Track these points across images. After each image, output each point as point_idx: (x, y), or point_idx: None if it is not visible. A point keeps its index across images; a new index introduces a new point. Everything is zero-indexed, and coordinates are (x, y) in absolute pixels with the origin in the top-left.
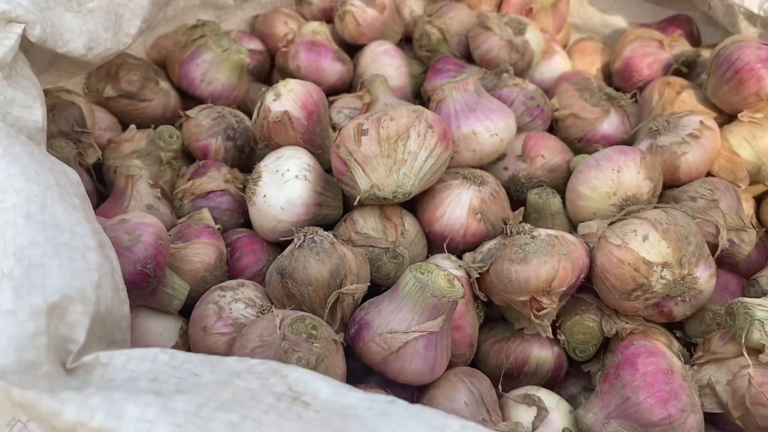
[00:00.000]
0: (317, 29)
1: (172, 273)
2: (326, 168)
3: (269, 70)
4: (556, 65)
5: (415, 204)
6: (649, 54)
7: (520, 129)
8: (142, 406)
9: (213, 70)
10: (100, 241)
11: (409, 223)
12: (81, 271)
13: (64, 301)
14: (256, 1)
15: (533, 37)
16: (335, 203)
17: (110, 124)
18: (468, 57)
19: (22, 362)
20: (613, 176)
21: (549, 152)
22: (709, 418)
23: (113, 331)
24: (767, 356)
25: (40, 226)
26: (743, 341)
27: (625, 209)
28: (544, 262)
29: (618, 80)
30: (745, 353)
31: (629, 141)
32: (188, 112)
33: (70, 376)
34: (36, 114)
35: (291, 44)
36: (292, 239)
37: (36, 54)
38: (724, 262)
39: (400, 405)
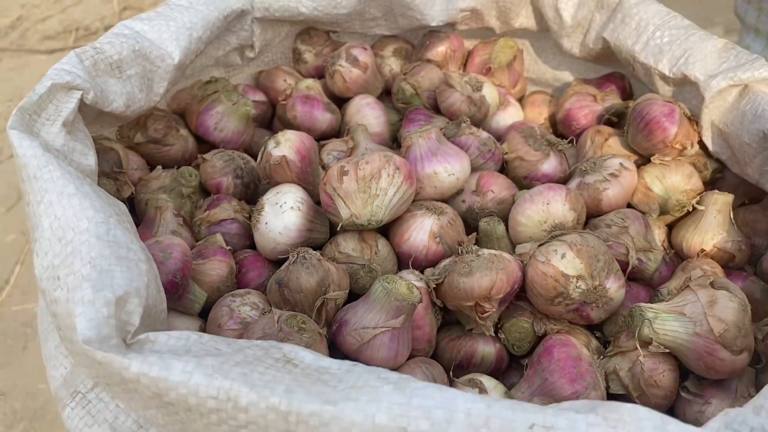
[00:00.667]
0: (311, 85)
1: (194, 283)
2: (315, 201)
3: (271, 117)
4: (509, 115)
5: (386, 229)
6: (585, 107)
7: (475, 169)
8: (184, 362)
9: (224, 120)
10: (147, 256)
11: (381, 244)
12: (136, 275)
13: (126, 296)
14: (260, 60)
15: (489, 92)
16: (323, 229)
17: (140, 164)
18: (436, 108)
19: (101, 336)
20: (544, 208)
21: (498, 188)
22: (617, 399)
23: (155, 321)
24: (655, 347)
25: (106, 243)
26: (637, 336)
27: (551, 234)
28: (485, 275)
29: (561, 128)
30: (639, 346)
31: (566, 179)
32: (205, 156)
33: (130, 348)
34: (90, 159)
35: (289, 97)
36: (288, 257)
37: (87, 111)
38: (637, 276)
39: (361, 366)
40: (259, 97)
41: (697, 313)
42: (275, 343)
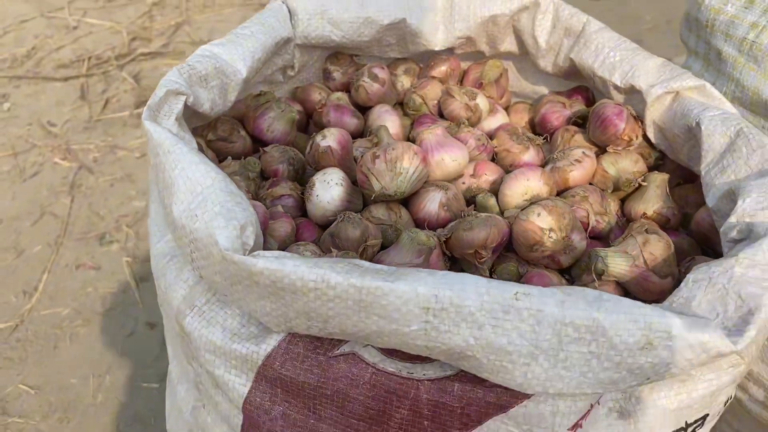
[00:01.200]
0: (340, 96)
1: (268, 237)
2: (352, 180)
3: (306, 123)
4: (497, 120)
5: (407, 201)
6: (557, 111)
7: (472, 159)
8: (292, 260)
9: (275, 123)
10: (251, 205)
11: (403, 212)
12: (249, 214)
13: (245, 225)
14: (297, 78)
15: (482, 101)
16: (358, 202)
17: (212, 156)
18: (440, 115)
19: (234, 247)
20: (525, 183)
21: (490, 172)
22: None
23: (259, 248)
24: (606, 277)
25: (227, 193)
26: (593, 270)
27: (530, 201)
28: (482, 229)
29: (538, 128)
30: (595, 278)
31: (542, 166)
32: (265, 149)
33: (252, 256)
34: (194, 145)
35: (323, 106)
36: (336, 219)
37: (185, 112)
38: (597, 235)
39: (403, 268)
40: (297, 107)
41: (635, 251)
42: (342, 258)
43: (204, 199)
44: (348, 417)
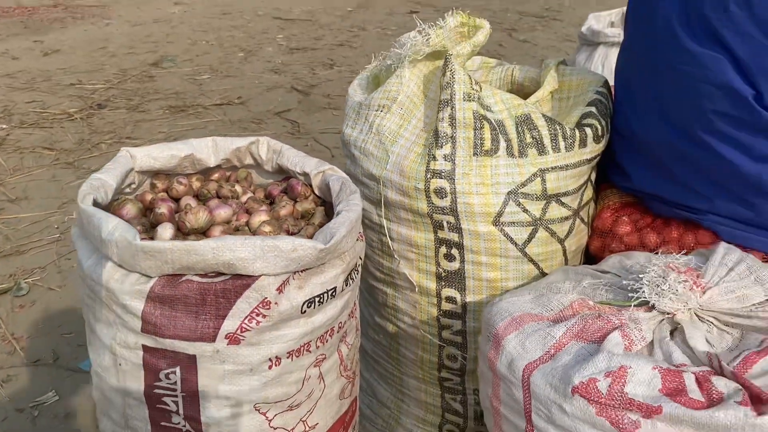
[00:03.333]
0: (163, 195)
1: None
2: (176, 228)
3: (146, 210)
4: (247, 196)
5: (205, 233)
6: (276, 187)
7: (234, 213)
8: (161, 242)
9: (130, 210)
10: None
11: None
12: (136, 233)
13: (135, 234)
14: (138, 189)
15: (238, 188)
16: (179, 237)
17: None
18: (217, 196)
19: (137, 240)
20: (259, 217)
21: (244, 218)
22: None
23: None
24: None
25: (130, 227)
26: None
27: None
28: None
29: (269, 197)
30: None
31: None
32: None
33: None
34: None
35: (155, 200)
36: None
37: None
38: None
39: None
40: (139, 204)
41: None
42: None
43: (119, 224)
44: (189, 306)
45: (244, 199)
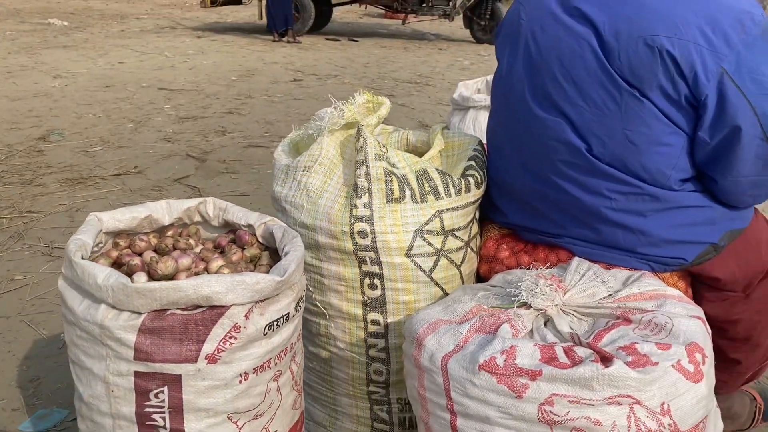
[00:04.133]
0: (128, 251)
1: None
2: (149, 275)
3: (115, 262)
4: (199, 247)
5: (172, 277)
6: (224, 239)
7: (193, 261)
8: (143, 284)
9: (102, 263)
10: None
11: None
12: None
13: (127, 281)
14: (105, 246)
15: (192, 241)
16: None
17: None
18: (174, 248)
19: (127, 284)
20: (217, 263)
21: (203, 265)
22: None
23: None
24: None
25: (119, 274)
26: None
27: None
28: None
29: (218, 247)
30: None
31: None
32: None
33: None
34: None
35: (121, 255)
36: None
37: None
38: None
39: None
40: (110, 258)
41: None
42: None
43: (112, 272)
44: (174, 334)
45: (197, 250)
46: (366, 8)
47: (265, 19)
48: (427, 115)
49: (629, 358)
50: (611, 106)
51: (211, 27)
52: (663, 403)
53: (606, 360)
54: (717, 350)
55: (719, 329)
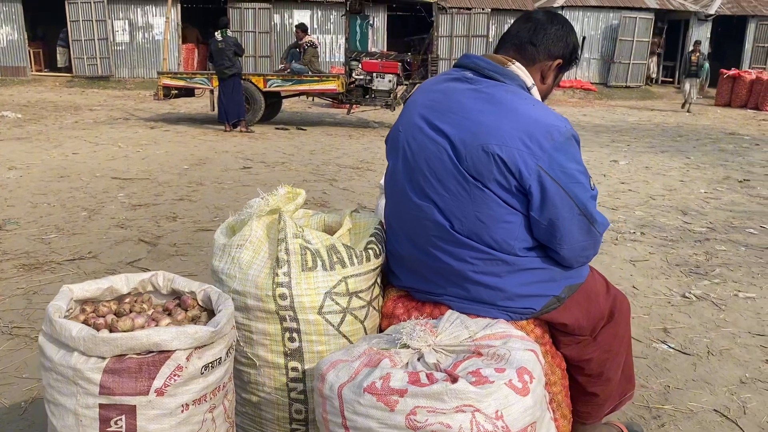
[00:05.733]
0: (94, 315)
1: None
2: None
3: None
4: (164, 310)
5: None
6: (173, 303)
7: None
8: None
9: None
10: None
11: None
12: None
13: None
14: (74, 311)
15: (151, 304)
16: None
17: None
18: (134, 311)
19: (94, 334)
20: (166, 320)
21: (154, 324)
22: None
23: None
24: None
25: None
26: None
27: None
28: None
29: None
30: None
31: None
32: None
33: None
34: None
35: (88, 318)
36: None
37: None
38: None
39: None
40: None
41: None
42: None
43: (83, 327)
44: (131, 374)
45: (149, 312)
46: (314, 99)
47: (216, 110)
48: (366, 197)
49: (473, 379)
50: (464, 194)
51: (164, 118)
52: (497, 411)
53: (454, 380)
54: (578, 386)
55: (577, 367)
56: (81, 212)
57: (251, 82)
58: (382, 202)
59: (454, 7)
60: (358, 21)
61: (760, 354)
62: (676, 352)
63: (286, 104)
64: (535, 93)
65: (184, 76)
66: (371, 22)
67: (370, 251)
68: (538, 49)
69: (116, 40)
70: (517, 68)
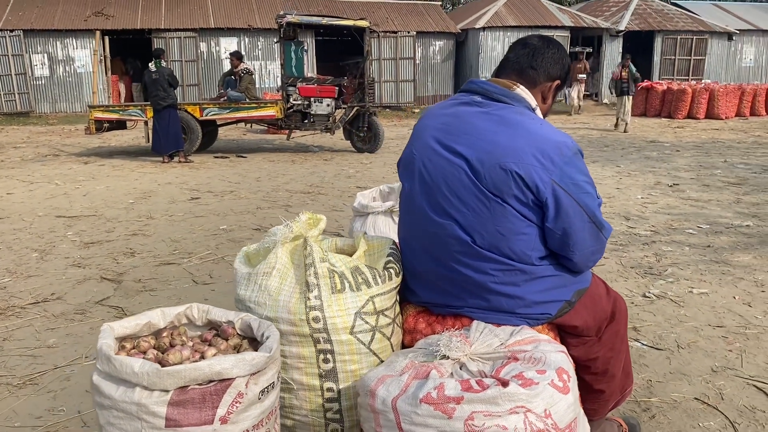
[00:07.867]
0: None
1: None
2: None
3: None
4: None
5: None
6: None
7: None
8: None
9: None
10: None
11: None
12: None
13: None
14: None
15: (186, 335)
16: None
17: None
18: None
19: (154, 369)
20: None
21: (199, 355)
22: None
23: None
24: None
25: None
26: None
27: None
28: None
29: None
30: None
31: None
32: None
33: None
34: None
35: (134, 347)
36: None
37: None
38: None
39: None
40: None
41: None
42: None
43: (144, 362)
44: (195, 404)
45: (190, 344)
46: (251, 126)
47: (151, 142)
48: (329, 222)
49: (520, 382)
50: (484, 210)
51: (95, 152)
52: (546, 410)
53: (505, 384)
54: (585, 384)
55: (584, 367)
56: (31, 253)
57: (187, 111)
58: (358, 224)
59: (381, 31)
60: (293, 47)
61: (723, 344)
62: (649, 348)
63: (222, 132)
64: (538, 113)
65: (117, 108)
66: (305, 47)
67: (391, 270)
68: (538, 72)
69: (35, 75)
70: (522, 91)
